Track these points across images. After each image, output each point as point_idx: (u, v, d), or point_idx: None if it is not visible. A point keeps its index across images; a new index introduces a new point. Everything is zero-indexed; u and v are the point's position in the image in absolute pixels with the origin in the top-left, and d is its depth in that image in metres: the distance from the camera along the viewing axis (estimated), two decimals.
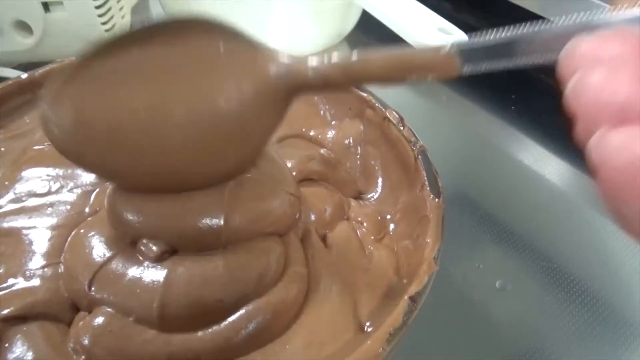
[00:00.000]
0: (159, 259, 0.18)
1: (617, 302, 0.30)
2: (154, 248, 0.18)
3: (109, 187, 0.19)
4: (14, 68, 0.39)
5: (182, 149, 0.16)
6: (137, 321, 0.17)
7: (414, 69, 0.15)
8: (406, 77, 0.15)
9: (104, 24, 0.39)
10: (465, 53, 0.14)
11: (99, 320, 0.17)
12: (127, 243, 0.18)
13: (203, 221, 0.17)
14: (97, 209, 0.20)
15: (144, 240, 0.18)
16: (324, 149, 0.26)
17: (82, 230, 0.19)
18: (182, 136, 0.16)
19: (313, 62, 0.16)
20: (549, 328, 0.29)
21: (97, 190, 0.21)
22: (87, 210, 0.21)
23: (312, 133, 0.28)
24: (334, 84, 0.16)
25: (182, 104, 0.16)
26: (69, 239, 0.19)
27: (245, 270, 0.18)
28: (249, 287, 0.18)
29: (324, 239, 0.22)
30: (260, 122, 0.17)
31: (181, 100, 0.16)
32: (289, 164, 0.23)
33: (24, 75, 0.25)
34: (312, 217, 0.22)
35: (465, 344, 0.28)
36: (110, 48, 0.16)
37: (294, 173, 0.23)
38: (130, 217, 0.18)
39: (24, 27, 0.37)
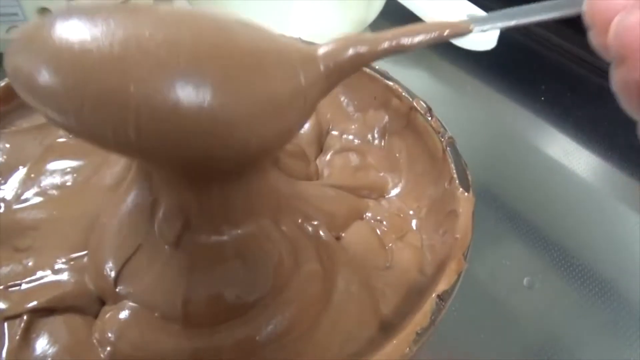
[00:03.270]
0: (176, 243, 0.17)
1: None
2: (170, 231, 0.17)
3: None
4: None
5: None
6: (162, 317, 0.17)
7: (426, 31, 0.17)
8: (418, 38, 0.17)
9: None
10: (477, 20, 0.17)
11: (125, 314, 0.17)
12: (148, 226, 0.18)
13: None
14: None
15: (160, 217, 0.17)
16: (351, 152, 0.26)
17: (104, 221, 0.19)
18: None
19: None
20: (577, 327, 0.28)
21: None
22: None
23: (335, 132, 0.28)
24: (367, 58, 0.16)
25: None
26: (92, 231, 0.19)
27: (259, 262, 0.18)
28: (266, 281, 0.18)
29: (337, 239, 0.22)
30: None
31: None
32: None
33: None
34: (323, 220, 0.21)
35: (490, 342, 0.27)
36: None
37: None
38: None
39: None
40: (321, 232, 0.21)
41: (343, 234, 0.22)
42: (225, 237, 0.18)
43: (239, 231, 0.18)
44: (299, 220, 0.21)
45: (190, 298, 0.17)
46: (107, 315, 0.17)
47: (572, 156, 0.39)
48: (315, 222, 0.21)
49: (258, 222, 0.19)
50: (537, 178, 0.38)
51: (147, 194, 0.18)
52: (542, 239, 0.32)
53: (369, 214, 0.23)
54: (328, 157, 0.26)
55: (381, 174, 0.26)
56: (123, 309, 0.17)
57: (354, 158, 0.26)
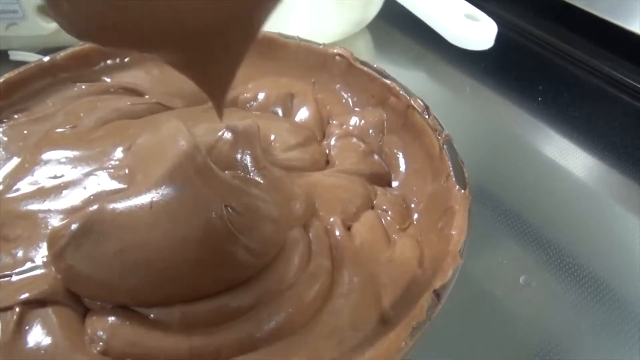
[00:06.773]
0: None
1: None
2: None
3: None
4: (37, 53, 0.40)
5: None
6: (156, 318, 0.17)
7: None
8: None
9: None
10: None
11: (114, 316, 0.17)
12: None
13: None
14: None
15: None
16: (355, 138, 0.26)
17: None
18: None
19: None
20: (573, 326, 0.28)
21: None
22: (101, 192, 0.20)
23: (334, 121, 0.28)
24: None
25: None
26: None
27: (270, 270, 0.18)
28: (270, 289, 0.18)
29: (349, 228, 0.21)
30: None
31: None
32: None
33: (46, 59, 0.25)
34: (338, 209, 0.22)
35: (486, 340, 0.27)
36: None
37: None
38: None
39: (46, 12, 0.37)
40: (336, 226, 0.21)
41: (353, 224, 0.22)
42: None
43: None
44: (320, 214, 0.21)
45: (189, 310, 0.17)
46: (94, 317, 0.17)
47: (568, 156, 0.39)
48: (332, 214, 0.21)
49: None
50: (534, 177, 0.38)
51: None
52: (538, 238, 0.32)
53: (376, 202, 0.23)
54: (332, 141, 0.26)
55: None
56: (113, 311, 0.17)
57: (358, 143, 0.26)
